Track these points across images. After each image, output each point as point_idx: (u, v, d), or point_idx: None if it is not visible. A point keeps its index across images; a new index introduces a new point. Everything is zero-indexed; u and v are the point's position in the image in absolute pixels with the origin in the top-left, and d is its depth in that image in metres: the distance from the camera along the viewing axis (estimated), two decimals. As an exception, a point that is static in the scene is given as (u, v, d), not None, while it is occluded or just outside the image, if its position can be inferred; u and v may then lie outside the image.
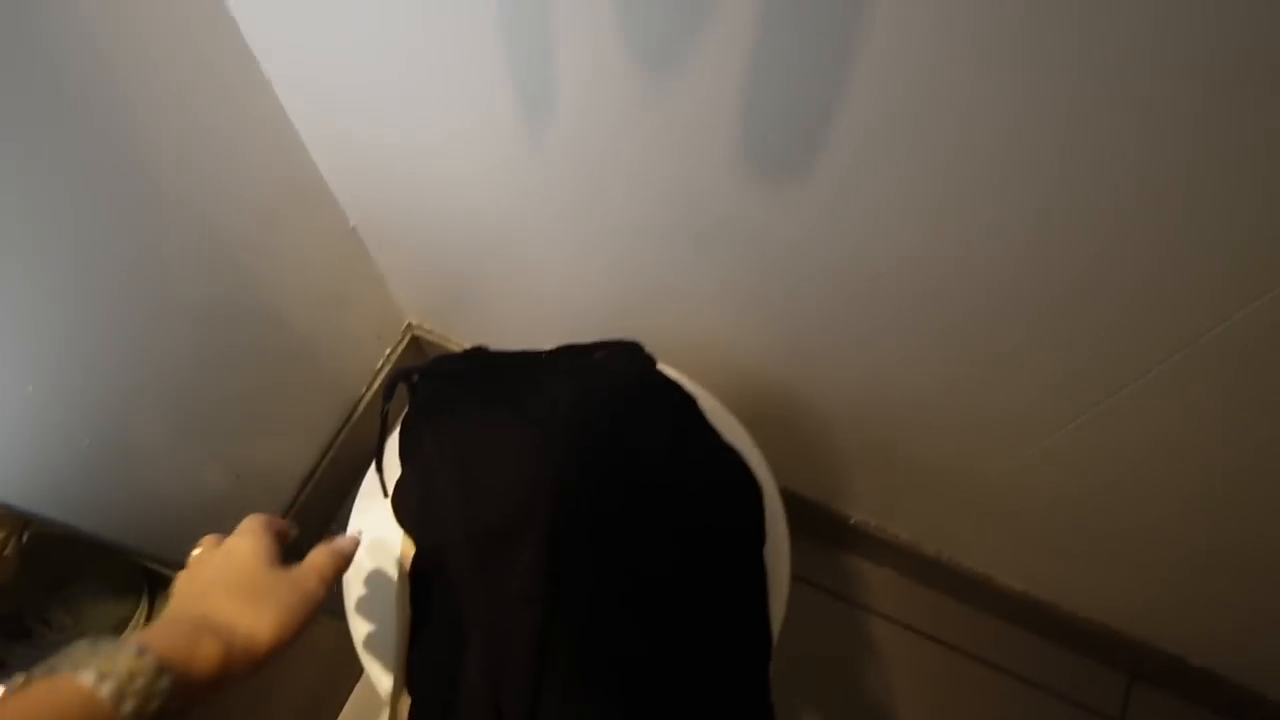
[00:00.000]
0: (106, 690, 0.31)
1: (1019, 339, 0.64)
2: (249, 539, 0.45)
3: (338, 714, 1.14)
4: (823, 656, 1.18)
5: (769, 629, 0.63)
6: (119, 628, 0.95)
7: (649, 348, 0.70)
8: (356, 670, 1.14)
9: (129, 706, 0.32)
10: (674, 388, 0.68)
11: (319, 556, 0.46)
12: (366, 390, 1.10)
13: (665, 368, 0.74)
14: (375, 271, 1.01)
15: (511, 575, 0.54)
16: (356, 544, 0.49)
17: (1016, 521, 0.94)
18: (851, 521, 1.12)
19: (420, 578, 0.59)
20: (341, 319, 1.00)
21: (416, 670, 0.57)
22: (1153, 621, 1.02)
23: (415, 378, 0.66)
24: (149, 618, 0.97)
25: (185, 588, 0.44)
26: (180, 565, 0.46)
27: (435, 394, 0.64)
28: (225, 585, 0.42)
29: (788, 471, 1.02)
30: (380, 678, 0.62)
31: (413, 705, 0.56)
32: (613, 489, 0.58)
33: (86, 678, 0.31)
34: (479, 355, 0.69)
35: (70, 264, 0.62)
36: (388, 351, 1.12)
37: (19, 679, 0.32)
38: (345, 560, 0.48)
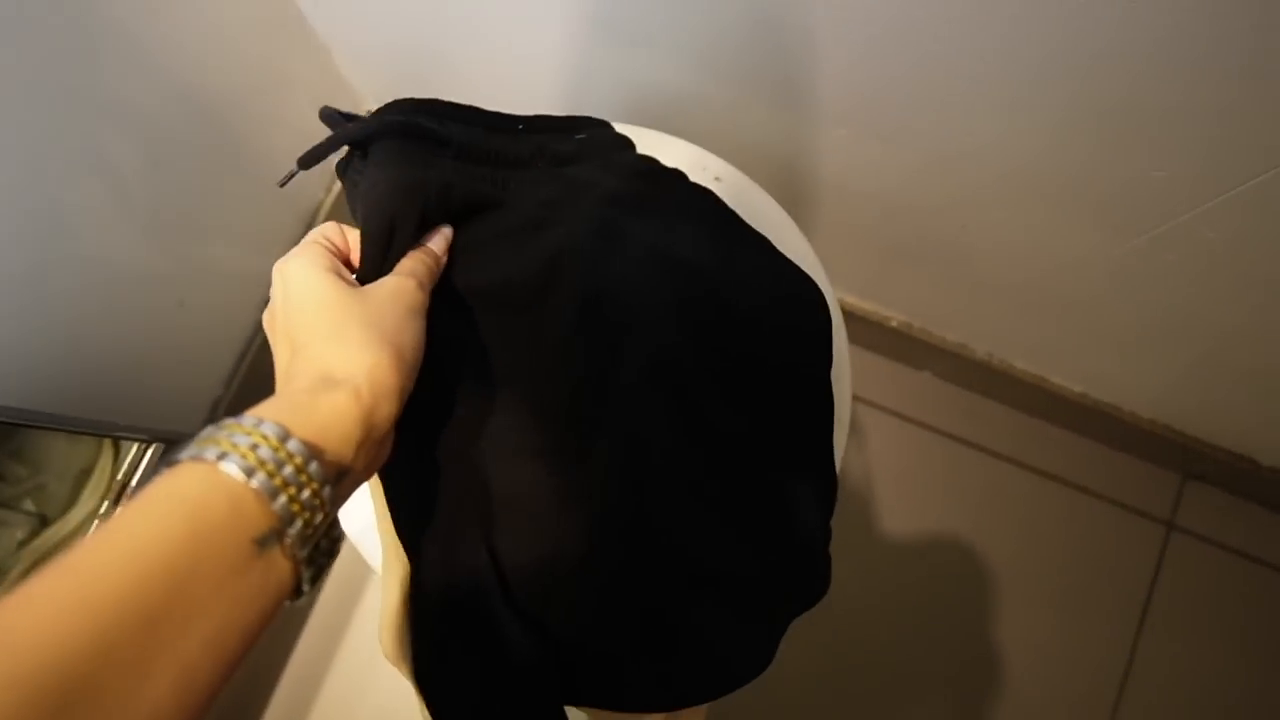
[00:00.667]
0: (257, 483, 0.25)
1: (1170, 103, 0.49)
2: (307, 270, 0.35)
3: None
4: (860, 469, 1.11)
5: (833, 472, 0.51)
6: (81, 476, 0.86)
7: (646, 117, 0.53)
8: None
9: (281, 502, 0.26)
10: (683, 179, 0.52)
11: (409, 261, 0.38)
12: (326, 195, 0.93)
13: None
14: (317, 43, 0.81)
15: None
16: (448, 239, 0.41)
17: (1081, 316, 0.83)
18: (892, 324, 1.00)
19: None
20: (282, 106, 0.81)
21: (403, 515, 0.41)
22: (1226, 422, 0.94)
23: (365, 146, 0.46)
24: (115, 461, 0.88)
25: (281, 353, 0.35)
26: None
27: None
28: (315, 327, 0.33)
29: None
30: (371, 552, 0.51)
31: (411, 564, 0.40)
32: (657, 307, 0.44)
33: (232, 469, 0.25)
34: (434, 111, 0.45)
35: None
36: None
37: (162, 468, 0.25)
38: (438, 258, 0.40)
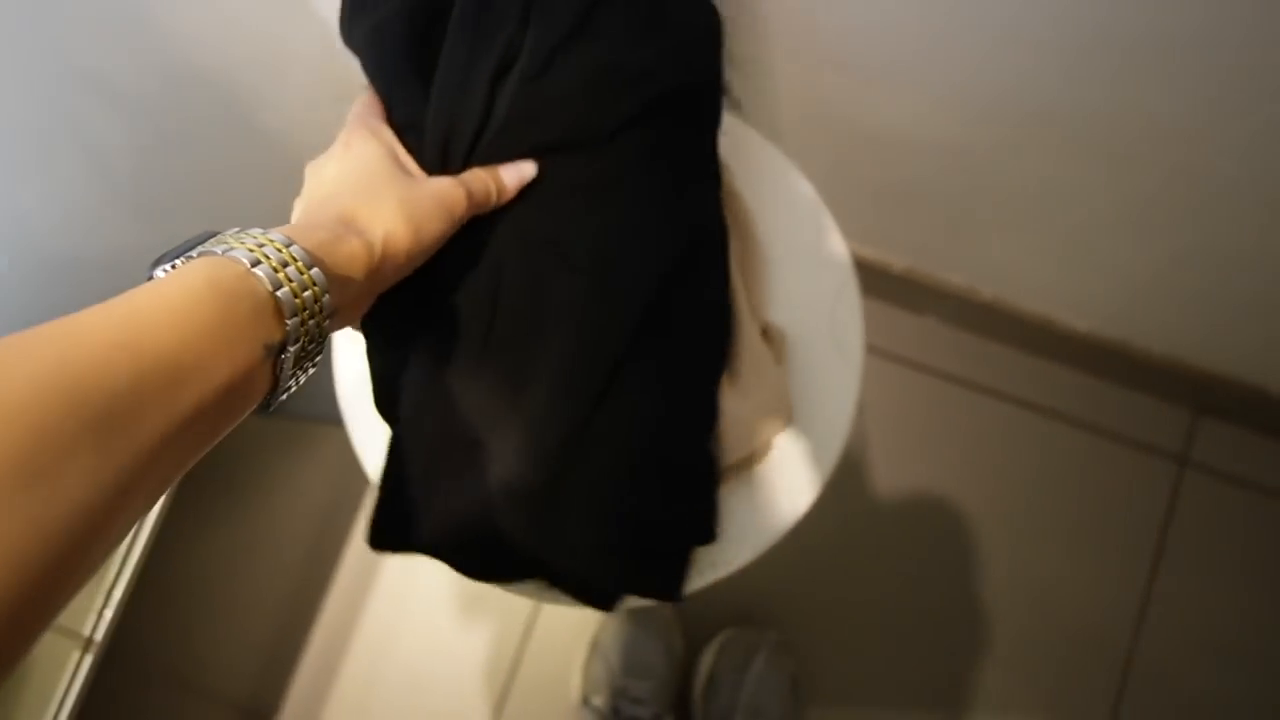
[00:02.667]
0: (262, 273, 0.28)
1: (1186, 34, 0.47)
2: (366, 135, 0.40)
3: (352, 523, 1.09)
4: (864, 415, 1.10)
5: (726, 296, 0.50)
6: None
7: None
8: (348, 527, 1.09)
9: (284, 294, 0.28)
10: None
11: (475, 173, 0.41)
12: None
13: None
14: (315, 12, 0.80)
15: None
16: (523, 180, 0.42)
17: (1087, 253, 0.82)
18: (894, 269, 0.99)
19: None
20: (282, 81, 0.80)
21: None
22: (1241, 353, 0.92)
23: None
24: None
25: (312, 191, 0.39)
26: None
27: None
28: (354, 186, 0.37)
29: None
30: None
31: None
32: None
33: (263, 278, 0.28)
34: None
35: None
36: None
37: (162, 266, 0.28)
38: (503, 186, 0.42)
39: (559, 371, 0.43)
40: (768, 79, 0.68)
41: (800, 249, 0.59)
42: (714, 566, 0.53)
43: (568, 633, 1.05)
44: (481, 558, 0.49)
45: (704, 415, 0.49)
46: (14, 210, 0.57)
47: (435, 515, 0.46)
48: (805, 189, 0.60)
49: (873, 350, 1.12)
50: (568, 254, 0.44)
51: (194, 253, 0.29)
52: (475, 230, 0.42)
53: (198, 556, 1.06)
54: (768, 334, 0.55)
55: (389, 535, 0.48)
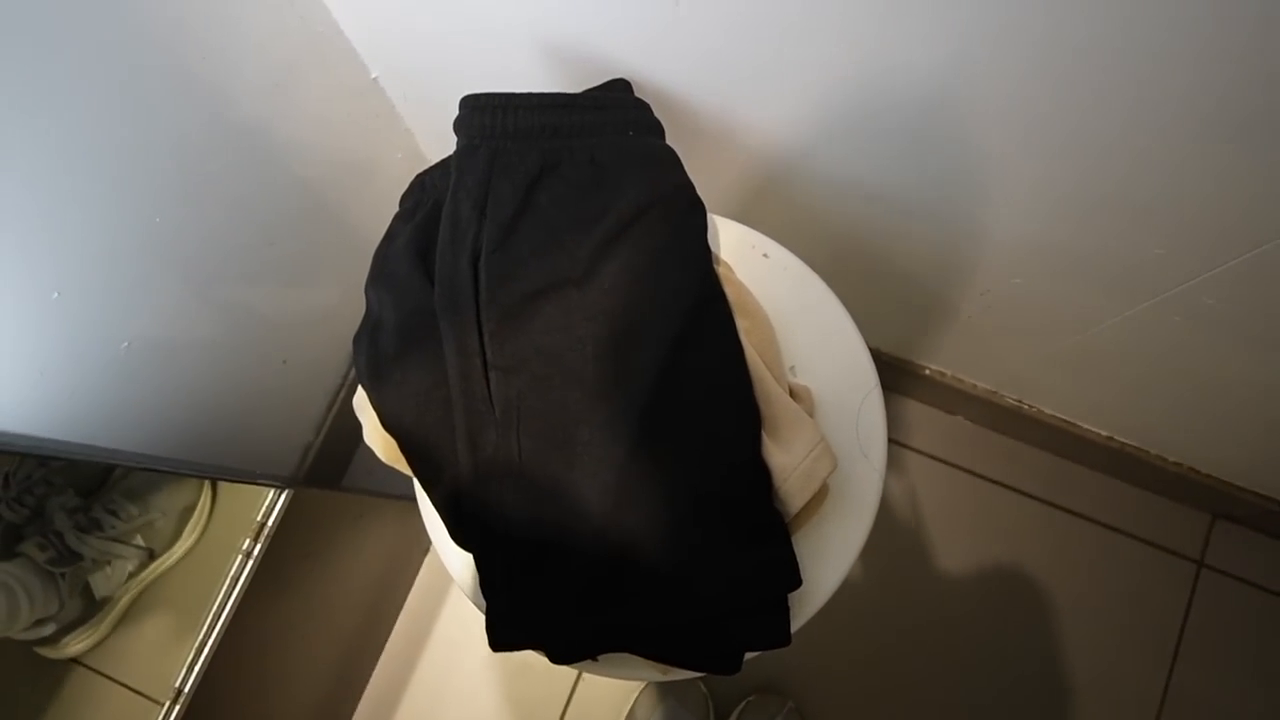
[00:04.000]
0: None
1: (1175, 173, 0.55)
2: None
3: (409, 591, 1.16)
4: (897, 508, 1.16)
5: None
6: (185, 514, 0.95)
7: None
8: (425, 544, 1.16)
9: None
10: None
11: None
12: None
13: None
14: (403, 126, 0.91)
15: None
16: None
17: (1099, 369, 0.88)
18: (926, 372, 1.06)
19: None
20: (373, 184, 0.91)
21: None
22: (1251, 465, 0.98)
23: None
24: (212, 504, 0.97)
25: None
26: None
27: None
28: None
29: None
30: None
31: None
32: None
33: None
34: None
35: (81, 151, 0.55)
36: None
37: None
38: None
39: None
40: (799, 210, 0.77)
41: (827, 358, 0.66)
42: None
43: (605, 705, 1.10)
44: (599, 639, 0.55)
45: (759, 473, 0.56)
46: (186, 289, 0.67)
47: (542, 610, 0.54)
48: (831, 301, 0.68)
49: (904, 445, 1.18)
50: (579, 349, 0.53)
51: None
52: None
53: (277, 616, 1.13)
54: (794, 393, 0.62)
55: (505, 633, 0.54)
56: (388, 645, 1.14)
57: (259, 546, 0.82)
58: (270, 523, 0.83)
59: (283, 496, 0.84)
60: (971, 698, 1.09)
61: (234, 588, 0.83)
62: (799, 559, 0.55)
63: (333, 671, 1.13)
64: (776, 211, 0.77)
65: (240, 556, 0.82)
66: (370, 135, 0.88)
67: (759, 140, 0.70)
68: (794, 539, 0.57)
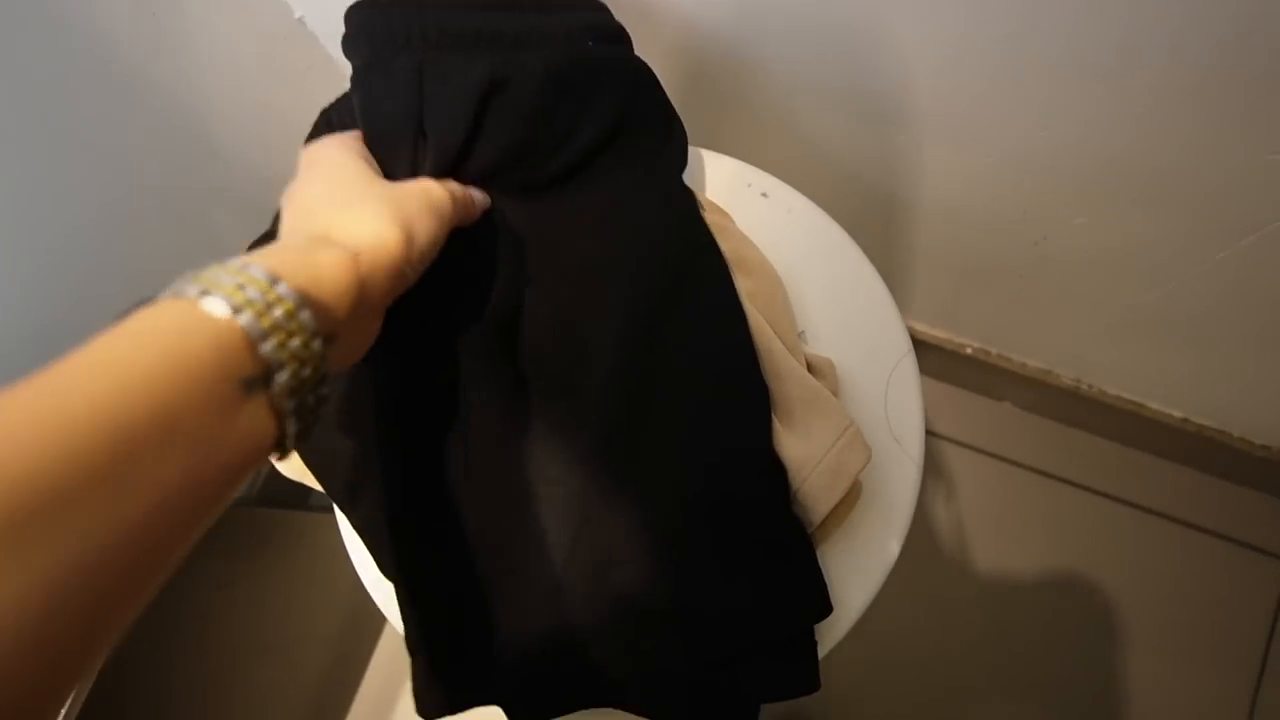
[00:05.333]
0: (215, 302, 0.24)
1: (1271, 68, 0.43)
2: (339, 149, 0.38)
3: (365, 667, 1.05)
4: (942, 506, 1.05)
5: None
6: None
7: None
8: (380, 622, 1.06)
9: (247, 318, 0.24)
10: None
11: (451, 182, 0.39)
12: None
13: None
14: (336, 70, 0.80)
15: None
16: (484, 206, 0.42)
17: (1178, 333, 0.76)
18: (967, 351, 0.94)
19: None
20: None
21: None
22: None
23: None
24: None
25: (289, 220, 0.35)
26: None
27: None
28: (329, 199, 0.34)
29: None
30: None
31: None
32: None
33: (216, 306, 0.24)
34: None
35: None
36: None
37: (136, 307, 0.24)
38: (474, 204, 0.41)
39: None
40: (819, 141, 0.65)
41: (847, 321, 0.54)
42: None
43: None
44: (565, 692, 0.44)
45: (772, 471, 0.43)
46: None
47: (500, 657, 0.43)
48: (864, 268, 0.55)
49: (944, 438, 1.08)
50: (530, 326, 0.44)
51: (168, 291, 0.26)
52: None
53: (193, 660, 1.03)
54: (812, 367, 0.50)
55: (440, 695, 0.43)
56: (360, 691, 1.02)
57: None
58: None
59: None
60: (1039, 717, 0.98)
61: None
62: (827, 578, 0.44)
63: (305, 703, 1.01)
64: (778, 145, 0.66)
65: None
66: (296, 82, 0.76)
67: (751, 53, 0.57)
68: (819, 551, 0.46)
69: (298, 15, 0.70)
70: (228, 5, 0.65)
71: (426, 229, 0.34)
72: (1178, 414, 0.92)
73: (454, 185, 0.39)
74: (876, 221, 0.71)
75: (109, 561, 0.20)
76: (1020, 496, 1.05)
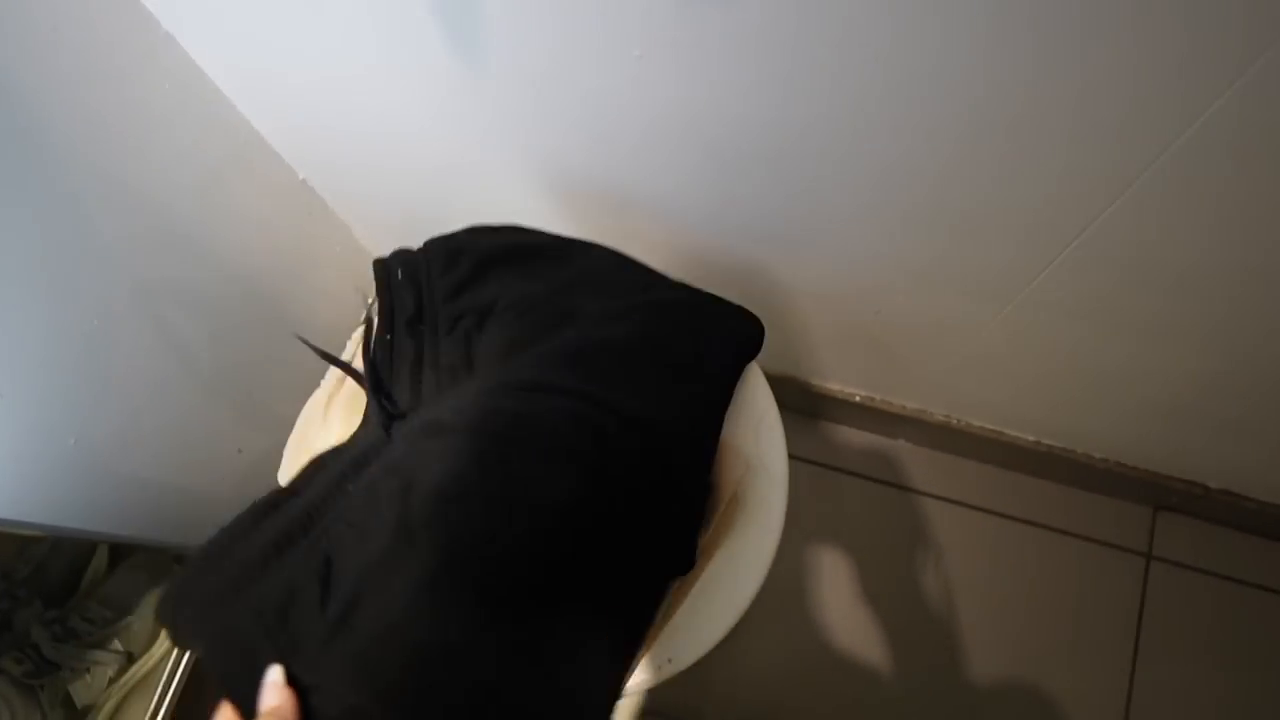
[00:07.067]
0: None
1: (986, 192, 0.62)
2: None
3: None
4: (849, 534, 1.18)
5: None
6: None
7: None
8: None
9: None
10: None
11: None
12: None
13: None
14: (337, 220, 0.99)
15: None
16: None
17: (1002, 373, 0.93)
18: (856, 399, 1.12)
19: None
20: (314, 277, 0.98)
21: None
22: (1167, 453, 1.03)
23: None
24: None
25: None
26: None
27: None
28: None
29: (776, 356, 1.04)
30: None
31: None
32: None
33: None
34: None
35: (19, 256, 0.61)
36: (370, 301, 1.09)
37: None
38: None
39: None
40: (708, 255, 0.83)
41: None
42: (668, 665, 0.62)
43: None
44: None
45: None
46: (132, 381, 0.73)
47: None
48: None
49: (854, 474, 1.22)
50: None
51: None
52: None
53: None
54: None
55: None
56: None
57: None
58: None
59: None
60: (939, 716, 1.10)
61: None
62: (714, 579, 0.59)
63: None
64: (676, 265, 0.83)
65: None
66: (306, 233, 0.95)
67: (632, 189, 0.76)
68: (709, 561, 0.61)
69: (301, 176, 0.89)
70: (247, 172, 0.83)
71: None
72: (1031, 437, 1.08)
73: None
74: (758, 307, 0.89)
75: None
76: (917, 519, 1.18)
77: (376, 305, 0.63)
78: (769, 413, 0.71)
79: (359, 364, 0.62)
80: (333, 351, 0.64)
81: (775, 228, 0.75)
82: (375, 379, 0.59)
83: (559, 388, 0.51)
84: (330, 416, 0.68)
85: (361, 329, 0.64)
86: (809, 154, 0.62)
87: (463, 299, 0.61)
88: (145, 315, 0.75)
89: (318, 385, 0.71)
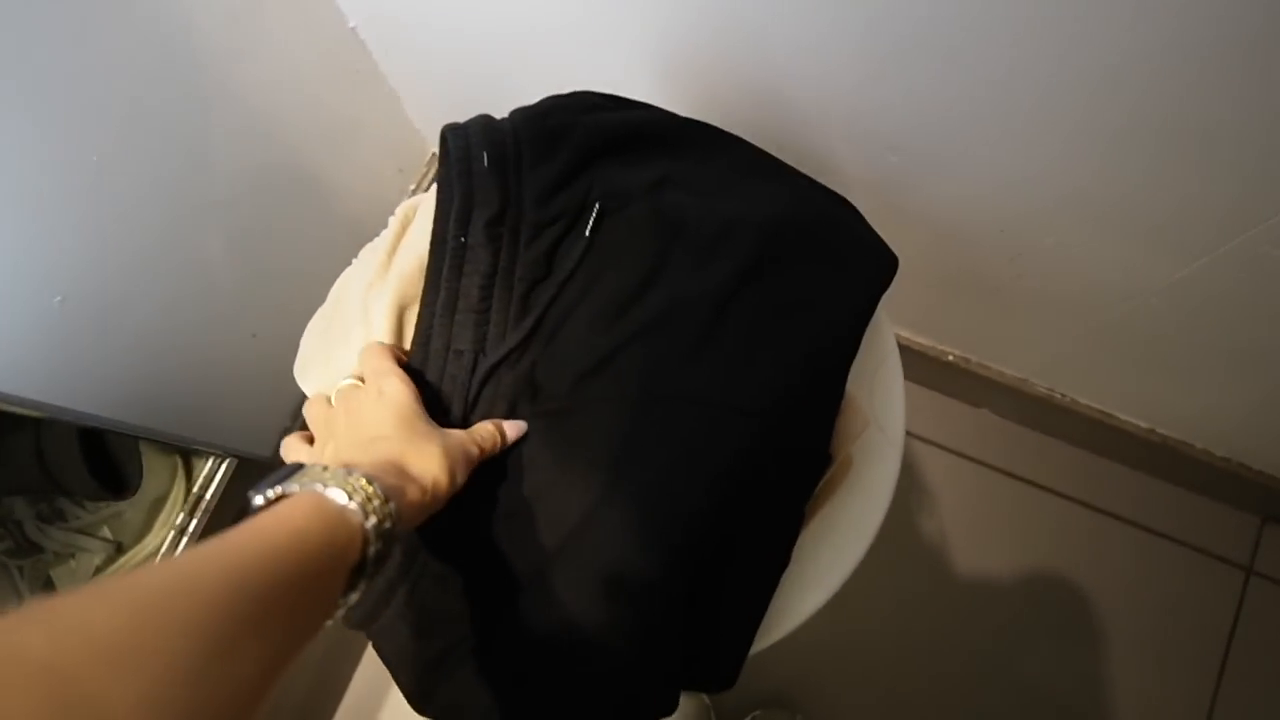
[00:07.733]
0: (355, 505, 0.34)
1: (1224, 117, 0.49)
2: (399, 382, 0.45)
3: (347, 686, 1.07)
4: (917, 507, 1.09)
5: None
6: (155, 505, 0.90)
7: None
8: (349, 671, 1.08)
9: (371, 523, 0.34)
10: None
11: (485, 427, 0.47)
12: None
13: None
14: (386, 87, 0.86)
15: None
16: (520, 432, 0.49)
17: (1143, 349, 0.82)
18: (949, 358, 1.00)
19: None
20: (353, 148, 0.86)
21: None
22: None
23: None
24: (187, 492, 0.91)
25: (354, 427, 0.44)
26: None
27: None
28: (398, 432, 0.43)
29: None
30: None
31: None
32: None
33: (336, 495, 0.34)
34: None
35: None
36: (411, 187, 0.97)
37: (263, 494, 0.34)
38: (507, 437, 0.48)
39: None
40: (817, 154, 0.71)
41: None
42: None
43: None
44: None
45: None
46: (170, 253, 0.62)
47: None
48: None
49: (928, 442, 1.12)
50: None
51: (294, 485, 0.34)
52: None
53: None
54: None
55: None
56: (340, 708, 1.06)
57: (194, 522, 0.75)
58: (209, 495, 0.77)
59: (223, 466, 0.78)
60: (995, 716, 1.02)
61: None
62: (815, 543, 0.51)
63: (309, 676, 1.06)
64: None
65: (174, 533, 0.76)
66: (348, 93, 0.82)
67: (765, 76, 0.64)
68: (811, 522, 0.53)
69: (351, 24, 0.76)
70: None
71: (463, 478, 0.43)
72: (1145, 424, 0.97)
73: (483, 434, 0.47)
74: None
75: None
76: (995, 499, 1.09)
77: (437, 190, 0.49)
78: (889, 358, 0.59)
79: (404, 246, 0.50)
80: (374, 230, 0.52)
81: (918, 127, 0.62)
82: (453, 305, 0.49)
83: (700, 398, 0.48)
84: (371, 308, 0.54)
85: (407, 211, 0.52)
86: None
87: (556, 201, 0.48)
88: (151, 156, 0.64)
89: (348, 265, 0.58)
